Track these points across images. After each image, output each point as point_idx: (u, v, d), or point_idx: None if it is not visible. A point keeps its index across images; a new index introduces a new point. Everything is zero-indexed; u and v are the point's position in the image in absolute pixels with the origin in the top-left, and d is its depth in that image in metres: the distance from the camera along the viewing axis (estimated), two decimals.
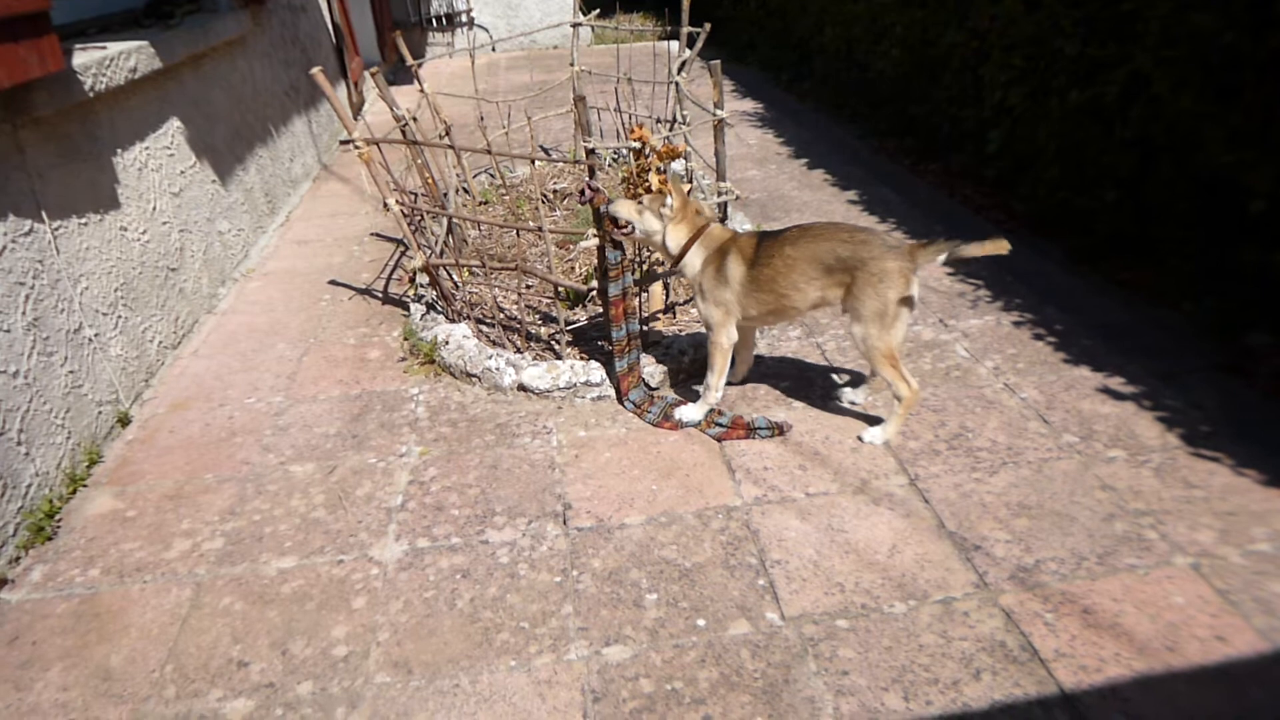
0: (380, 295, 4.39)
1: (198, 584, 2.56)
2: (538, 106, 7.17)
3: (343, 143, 3.49)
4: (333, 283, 4.56)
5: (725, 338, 3.02)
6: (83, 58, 3.38)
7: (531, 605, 2.39)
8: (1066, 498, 2.66)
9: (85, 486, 3.04)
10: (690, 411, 3.13)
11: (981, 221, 4.85)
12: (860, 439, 2.97)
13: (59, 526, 2.83)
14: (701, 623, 2.30)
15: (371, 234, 5.23)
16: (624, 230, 3.02)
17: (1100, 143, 4.29)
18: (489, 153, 3.41)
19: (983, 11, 5.13)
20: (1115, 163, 4.20)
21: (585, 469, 2.94)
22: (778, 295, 2.88)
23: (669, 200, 2.95)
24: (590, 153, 2.99)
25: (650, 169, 3.24)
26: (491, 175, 5.69)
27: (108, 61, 3.49)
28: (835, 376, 3.40)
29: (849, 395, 3.21)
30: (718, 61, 3.57)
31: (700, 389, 3.15)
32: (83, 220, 3.31)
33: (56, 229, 3.14)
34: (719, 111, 3.62)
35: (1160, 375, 3.25)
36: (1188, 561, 2.39)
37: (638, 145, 3.13)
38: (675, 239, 3.00)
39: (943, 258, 2.72)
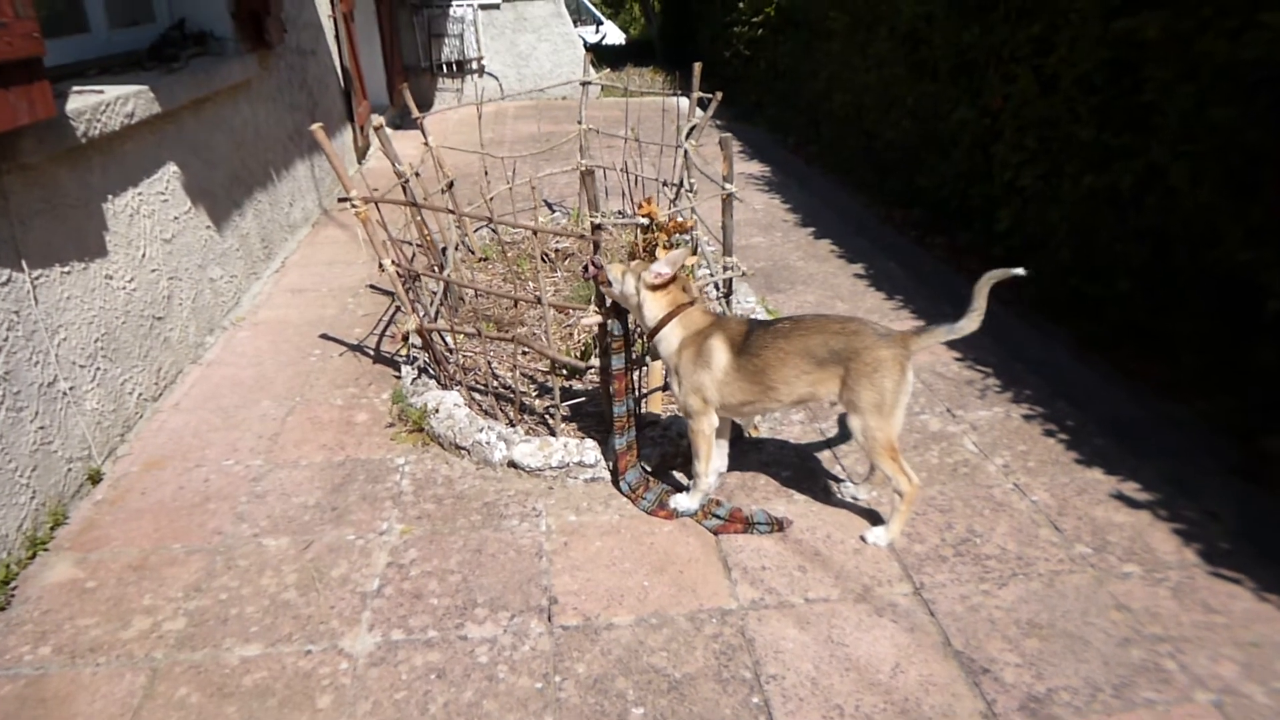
0: (372, 353, 4.27)
1: (154, 670, 2.39)
2: (544, 159, 7.12)
3: (341, 200, 3.39)
4: (324, 336, 4.44)
5: (707, 424, 2.88)
6: (77, 102, 3.29)
7: (509, 714, 2.23)
8: (1080, 617, 2.51)
9: (46, 550, 2.88)
10: (685, 500, 2.99)
11: (988, 301, 4.74)
12: (863, 539, 2.83)
13: (13, 595, 2.67)
14: None
15: (368, 285, 5.12)
16: (610, 289, 2.91)
17: (1113, 229, 4.22)
18: (489, 220, 3.30)
19: (995, 91, 5.09)
20: (1128, 251, 4.12)
21: (574, 559, 2.79)
22: (765, 388, 2.76)
23: (653, 268, 2.82)
24: (596, 228, 2.88)
25: (658, 244, 3.15)
26: (493, 230, 5.60)
27: (103, 107, 3.40)
28: (839, 467, 3.28)
29: (851, 491, 3.08)
30: (729, 135, 3.49)
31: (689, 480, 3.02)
32: (65, 269, 3.20)
33: (36, 278, 3.03)
34: (728, 185, 3.54)
35: (1175, 481, 3.13)
36: (1209, 698, 2.24)
37: (645, 220, 3.04)
38: (652, 309, 2.87)
39: (935, 342, 2.68)
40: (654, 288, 2.84)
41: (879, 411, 2.63)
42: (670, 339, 2.87)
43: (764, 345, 2.74)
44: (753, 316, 2.96)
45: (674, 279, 2.85)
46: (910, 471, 2.73)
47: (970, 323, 2.62)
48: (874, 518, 2.96)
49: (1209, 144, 3.54)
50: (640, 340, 3.13)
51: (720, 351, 2.79)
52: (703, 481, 2.97)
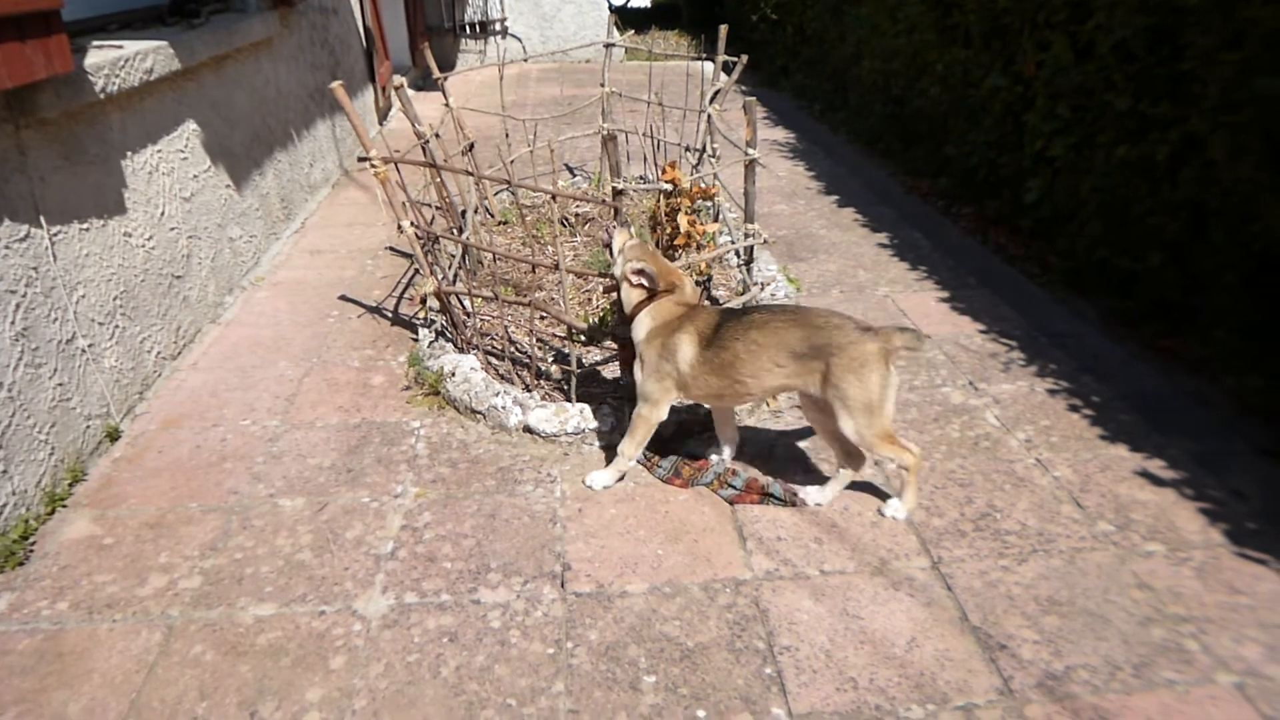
0: (390, 315, 4.25)
1: (169, 627, 2.40)
2: (566, 123, 7.05)
3: (360, 159, 3.35)
4: (342, 298, 4.43)
5: (655, 416, 2.84)
6: (96, 57, 3.26)
7: (521, 679, 2.23)
8: (1100, 595, 2.47)
9: (65, 507, 2.90)
10: (599, 477, 2.95)
11: (1015, 273, 4.68)
12: (881, 514, 2.80)
13: (32, 550, 2.69)
14: (702, 714, 2.13)
15: (387, 247, 5.10)
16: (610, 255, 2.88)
17: (1147, 202, 4.11)
18: (509, 183, 3.26)
19: (1029, 57, 4.96)
20: (1161, 225, 4.02)
21: (588, 525, 2.78)
22: (733, 381, 2.68)
23: (633, 266, 2.79)
24: (618, 194, 2.84)
25: (680, 209, 3.10)
26: (513, 194, 5.54)
27: (122, 62, 3.37)
28: None
29: (814, 497, 2.90)
30: (753, 99, 3.42)
31: (713, 454, 3.01)
32: (84, 225, 3.19)
33: (55, 234, 3.02)
34: (751, 151, 3.47)
35: (1202, 459, 3.06)
36: (1232, 680, 2.20)
37: (669, 186, 2.98)
38: (629, 296, 2.85)
39: (915, 347, 2.60)
40: (630, 282, 2.81)
41: (868, 409, 2.56)
42: (640, 328, 2.83)
43: (735, 337, 2.65)
44: (728, 306, 2.83)
45: (660, 269, 2.80)
46: (909, 444, 2.68)
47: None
48: (886, 492, 2.92)
49: (1251, 115, 3.43)
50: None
51: (686, 346, 2.72)
52: (624, 462, 2.93)
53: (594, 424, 3.15)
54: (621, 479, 2.98)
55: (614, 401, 3.29)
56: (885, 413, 2.59)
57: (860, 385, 2.54)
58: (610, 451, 3.14)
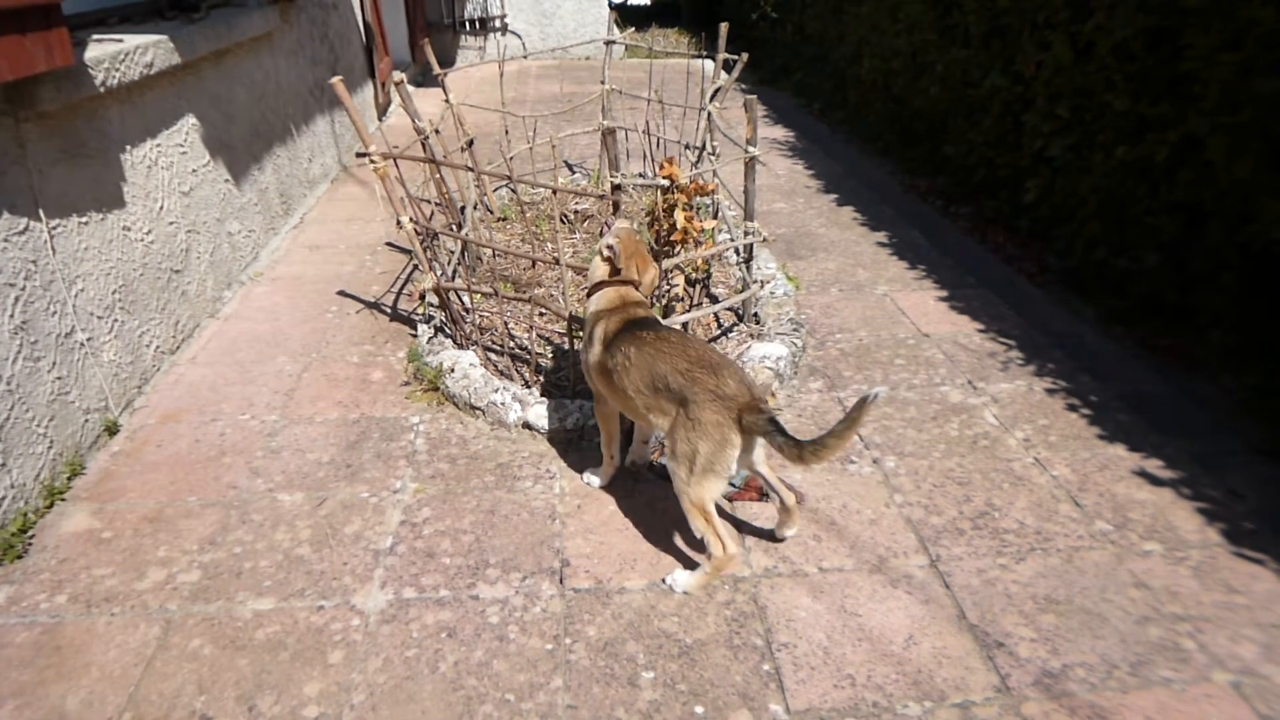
0: (389, 311, 4.25)
1: (168, 621, 2.40)
2: (565, 120, 7.04)
3: (359, 155, 3.35)
4: (341, 293, 4.43)
5: (602, 408, 2.80)
6: (96, 51, 3.26)
7: (519, 675, 2.23)
8: (1098, 594, 2.48)
9: (63, 500, 2.89)
10: (592, 479, 2.95)
11: (1013, 273, 4.68)
12: (664, 581, 2.54)
13: (30, 544, 2.69)
14: (700, 710, 2.13)
15: (386, 243, 5.09)
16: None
17: (1145, 203, 4.12)
18: (508, 179, 3.26)
19: (1028, 57, 4.97)
20: (1159, 225, 4.03)
21: (587, 522, 2.78)
22: (616, 390, 2.59)
23: (604, 241, 2.73)
24: (616, 188, 2.84)
25: (677, 205, 3.10)
26: (512, 190, 5.55)
27: (122, 56, 3.36)
28: (858, 437, 3.23)
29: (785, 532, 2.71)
30: (754, 97, 3.42)
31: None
32: (83, 219, 3.18)
33: (54, 228, 3.01)
34: (751, 149, 3.47)
35: (1199, 459, 3.07)
36: (1228, 679, 2.21)
37: (666, 182, 2.98)
38: (594, 274, 2.80)
39: (769, 437, 2.29)
40: (605, 258, 2.75)
41: (690, 469, 2.36)
42: (589, 309, 2.79)
43: (619, 347, 2.55)
44: (652, 317, 2.68)
45: (630, 254, 2.75)
46: (726, 538, 2.40)
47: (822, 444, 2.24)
48: (884, 491, 2.93)
49: (1250, 116, 3.43)
50: (657, 301, 3.07)
51: (597, 341, 2.66)
52: (608, 462, 2.91)
53: (593, 420, 3.15)
54: (611, 479, 2.96)
55: None
56: (706, 482, 2.36)
57: (686, 442, 2.35)
58: None
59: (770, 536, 2.69)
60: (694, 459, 2.35)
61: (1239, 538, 2.70)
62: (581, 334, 2.81)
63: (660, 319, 2.84)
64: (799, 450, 2.23)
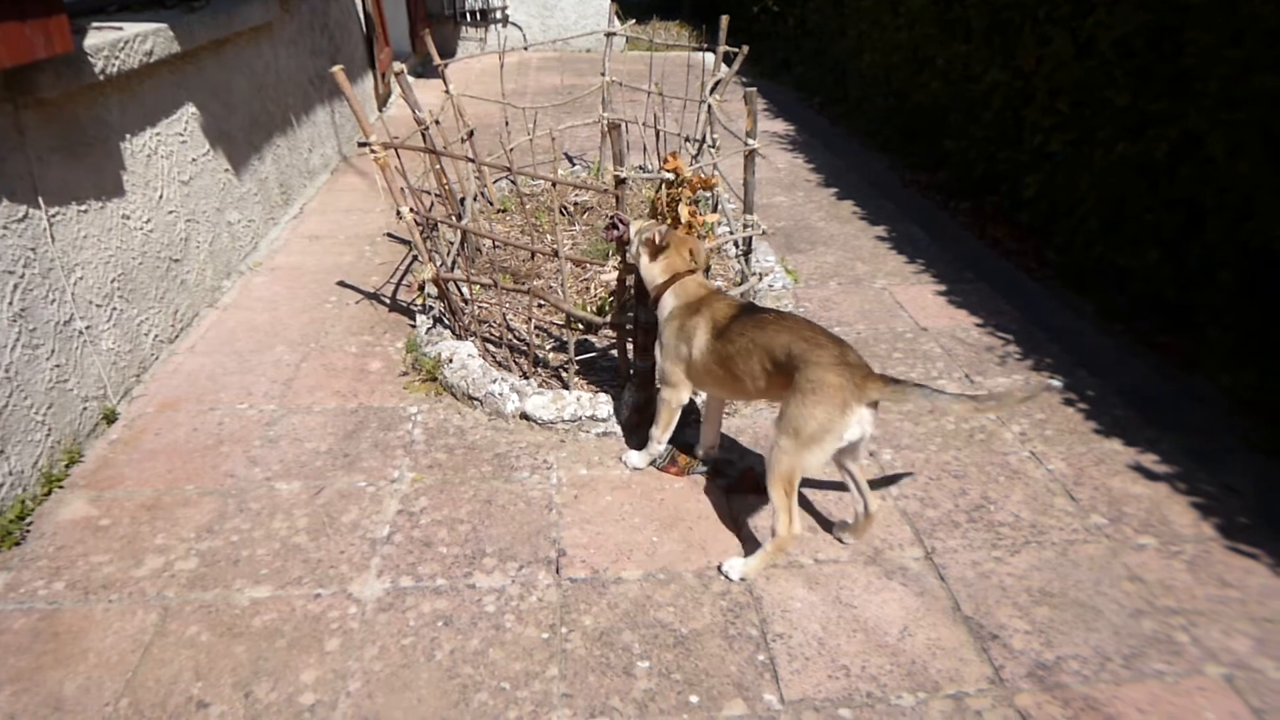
0: (388, 301, 4.25)
1: (165, 608, 2.41)
2: (565, 112, 7.04)
3: (360, 144, 3.35)
4: (340, 284, 4.43)
5: (676, 399, 2.81)
6: (95, 39, 3.25)
7: (515, 663, 2.24)
8: (1092, 587, 2.49)
9: (61, 488, 2.90)
10: (635, 458, 2.98)
11: (1012, 268, 4.68)
12: (719, 569, 2.56)
13: (28, 531, 2.70)
14: (694, 699, 2.14)
15: (385, 234, 5.09)
16: (624, 243, 2.86)
17: (1144, 199, 4.12)
18: (508, 171, 3.26)
19: (1029, 52, 4.96)
20: (1159, 221, 4.03)
21: (584, 512, 2.79)
22: (732, 376, 2.59)
23: (651, 233, 2.75)
24: (620, 182, 2.83)
25: (681, 199, 3.10)
26: (512, 182, 5.54)
27: (122, 44, 3.36)
28: None
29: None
30: (754, 89, 3.42)
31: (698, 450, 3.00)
32: (82, 207, 3.18)
33: (53, 216, 3.01)
34: (751, 141, 3.47)
35: (1195, 454, 3.08)
36: (1220, 672, 2.22)
37: (670, 176, 2.99)
38: (651, 274, 2.81)
39: (905, 402, 2.35)
40: (652, 253, 2.78)
41: (796, 436, 2.34)
42: (664, 306, 2.80)
43: (740, 333, 2.55)
44: (750, 300, 2.73)
45: (669, 245, 2.77)
46: (797, 517, 2.43)
47: (951, 400, 2.33)
48: (884, 482, 2.94)
49: (1251, 113, 3.44)
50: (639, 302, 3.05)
51: (702, 330, 2.65)
52: (655, 445, 2.94)
53: (590, 411, 3.16)
54: (653, 462, 2.98)
55: (611, 389, 3.30)
56: (809, 454, 2.34)
57: (800, 408, 2.33)
58: (607, 438, 3.15)
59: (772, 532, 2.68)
60: (806, 424, 2.31)
61: (1233, 532, 2.71)
62: (659, 332, 2.81)
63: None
64: (970, 400, 2.31)
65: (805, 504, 2.83)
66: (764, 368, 2.49)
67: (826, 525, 2.73)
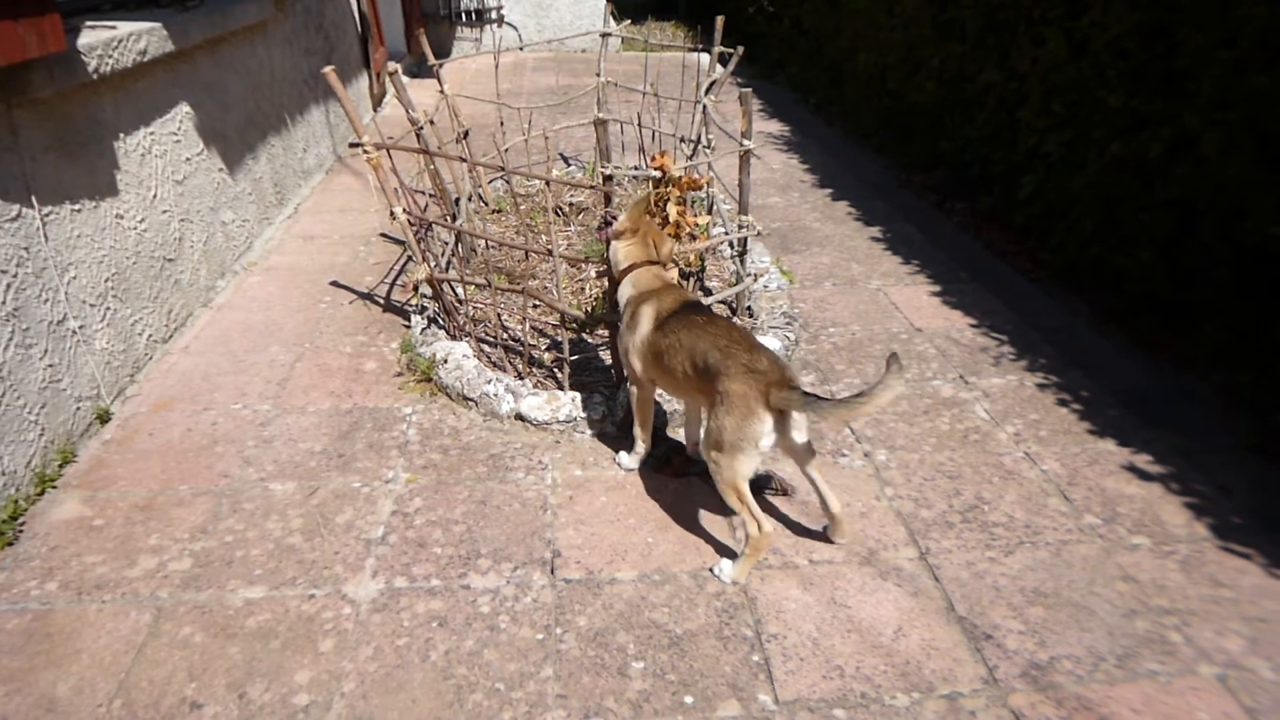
0: (382, 301, 4.25)
1: (159, 609, 2.41)
2: (561, 113, 7.03)
3: (352, 145, 3.34)
4: (335, 284, 4.42)
5: (637, 393, 2.81)
6: (89, 37, 3.24)
7: (510, 664, 2.24)
8: (1086, 587, 2.49)
9: (55, 488, 2.89)
10: (626, 460, 2.98)
11: (1006, 268, 4.69)
12: (711, 571, 2.56)
13: (21, 531, 2.69)
14: (689, 700, 2.14)
15: (380, 234, 5.08)
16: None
17: (1139, 199, 4.13)
18: (503, 171, 3.26)
19: (1024, 53, 4.97)
20: (1153, 221, 4.04)
21: (579, 513, 2.79)
22: (663, 371, 2.60)
23: (628, 218, 2.75)
24: (608, 179, 2.83)
25: (669, 199, 3.10)
26: (507, 182, 5.54)
27: (115, 43, 3.35)
28: (848, 430, 3.24)
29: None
30: (749, 91, 3.42)
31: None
32: (76, 206, 3.17)
33: (46, 215, 3.00)
34: (746, 142, 3.47)
35: (1189, 454, 3.09)
36: (1214, 672, 2.23)
37: (658, 174, 2.98)
38: (617, 260, 2.81)
39: (798, 414, 2.30)
40: (618, 236, 2.78)
41: (717, 447, 2.37)
42: (622, 295, 2.81)
43: (672, 330, 2.55)
44: (696, 299, 2.71)
45: (636, 231, 2.78)
46: (762, 517, 2.40)
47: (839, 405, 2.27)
48: (875, 484, 2.94)
49: (1244, 113, 3.44)
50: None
51: (646, 320, 2.65)
52: (639, 445, 2.93)
53: (585, 412, 3.16)
54: (646, 462, 2.98)
55: (606, 390, 3.30)
56: (737, 460, 2.35)
57: (716, 420, 2.36)
58: (603, 439, 3.15)
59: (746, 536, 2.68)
60: (722, 435, 2.34)
61: (1227, 532, 2.71)
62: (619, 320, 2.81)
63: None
64: (844, 407, 2.21)
65: (803, 505, 2.83)
66: (688, 370, 2.50)
67: (821, 528, 2.73)
